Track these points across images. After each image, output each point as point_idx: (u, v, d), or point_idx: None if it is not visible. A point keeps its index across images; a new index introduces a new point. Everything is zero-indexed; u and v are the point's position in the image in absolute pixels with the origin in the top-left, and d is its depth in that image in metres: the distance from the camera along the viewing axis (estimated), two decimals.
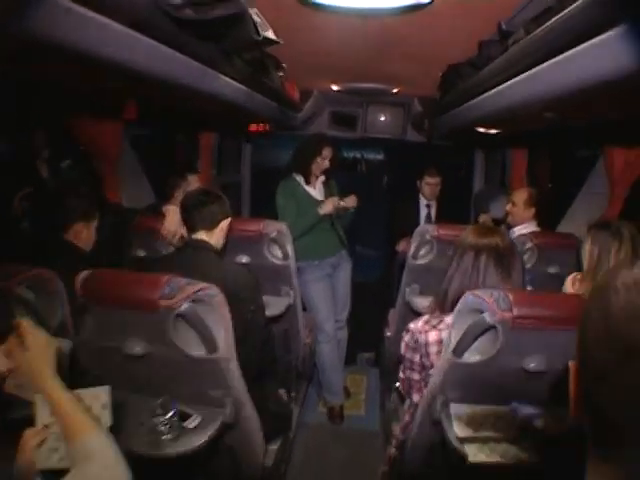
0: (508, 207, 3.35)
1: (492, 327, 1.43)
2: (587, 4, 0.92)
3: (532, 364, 1.46)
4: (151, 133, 3.69)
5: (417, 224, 4.16)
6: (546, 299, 1.53)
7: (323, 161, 3.37)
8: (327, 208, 3.29)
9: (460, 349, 1.47)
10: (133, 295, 1.48)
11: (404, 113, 4.28)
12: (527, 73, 1.49)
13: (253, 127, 3.73)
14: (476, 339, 1.47)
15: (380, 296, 4.84)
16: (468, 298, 1.48)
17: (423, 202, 4.26)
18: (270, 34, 1.67)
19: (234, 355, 1.59)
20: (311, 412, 3.67)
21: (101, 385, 1.22)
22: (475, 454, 1.47)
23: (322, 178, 3.49)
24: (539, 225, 3.28)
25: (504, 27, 1.60)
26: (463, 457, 1.46)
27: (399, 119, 4.32)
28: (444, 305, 1.73)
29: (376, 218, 4.91)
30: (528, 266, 2.56)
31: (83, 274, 1.55)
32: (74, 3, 0.87)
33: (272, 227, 2.53)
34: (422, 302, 2.58)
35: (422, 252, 2.62)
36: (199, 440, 1.48)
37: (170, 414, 1.49)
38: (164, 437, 1.48)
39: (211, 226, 2.12)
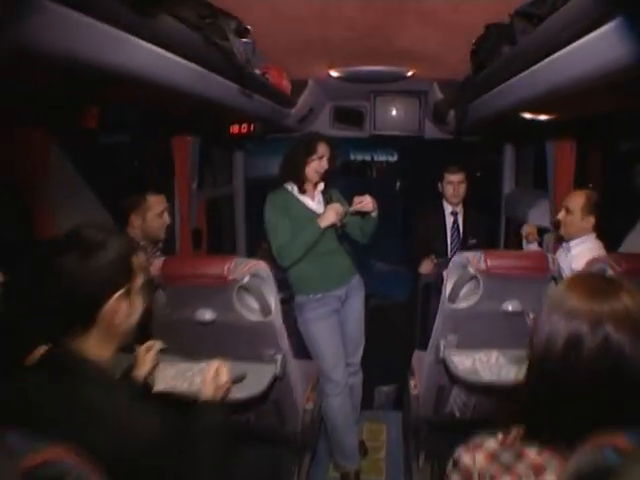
0: (561, 215, 2.66)
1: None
2: None
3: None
4: (105, 144, 2.97)
5: (443, 238, 3.53)
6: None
7: (319, 162, 2.64)
8: (329, 218, 2.55)
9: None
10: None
11: (420, 104, 3.57)
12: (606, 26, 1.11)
13: (235, 128, 3.01)
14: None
15: (401, 319, 4.29)
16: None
17: (448, 209, 3.58)
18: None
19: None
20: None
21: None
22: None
23: (321, 186, 2.76)
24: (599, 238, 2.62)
25: None
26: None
27: (414, 112, 3.61)
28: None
29: (390, 229, 4.27)
30: None
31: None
32: None
33: (243, 269, 1.78)
34: (463, 361, 1.92)
35: (463, 292, 1.96)
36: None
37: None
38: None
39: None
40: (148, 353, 1.63)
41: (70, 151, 2.51)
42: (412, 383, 2.48)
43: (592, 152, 3.43)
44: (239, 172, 4.49)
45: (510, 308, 1.92)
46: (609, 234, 2.80)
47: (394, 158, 5.11)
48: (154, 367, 1.65)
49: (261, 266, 1.79)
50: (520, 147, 4.12)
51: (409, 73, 2.81)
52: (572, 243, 2.60)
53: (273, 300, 1.81)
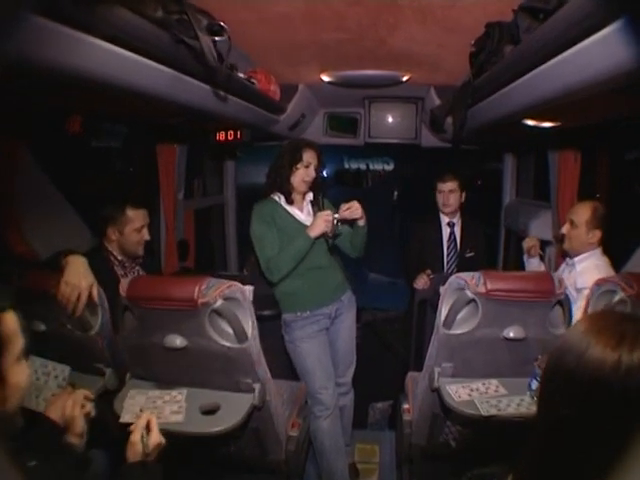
0: (565, 228, 2.53)
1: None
2: None
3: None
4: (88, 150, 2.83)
5: (439, 250, 3.38)
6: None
7: (306, 170, 2.50)
8: (319, 227, 2.40)
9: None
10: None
11: (417, 111, 3.46)
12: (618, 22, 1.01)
13: (221, 135, 2.86)
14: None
15: (395, 335, 4.21)
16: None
17: (444, 220, 3.44)
18: None
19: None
20: None
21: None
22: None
23: (310, 196, 2.62)
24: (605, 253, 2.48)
25: None
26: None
27: (411, 119, 3.51)
28: None
29: (387, 240, 4.15)
30: None
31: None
32: None
33: (215, 291, 1.64)
34: (459, 392, 1.80)
35: (460, 316, 1.83)
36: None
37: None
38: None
39: None
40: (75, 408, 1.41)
41: (45, 159, 2.38)
42: (405, 407, 2.35)
43: (599, 162, 3.29)
44: (230, 181, 4.36)
45: (512, 335, 1.78)
46: (615, 249, 2.67)
47: (390, 167, 5.01)
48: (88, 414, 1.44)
49: (236, 288, 1.67)
50: (521, 156, 4.01)
51: (405, 78, 2.70)
52: (577, 259, 2.47)
53: (250, 325, 1.69)
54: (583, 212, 2.45)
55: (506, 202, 4.12)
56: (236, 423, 1.66)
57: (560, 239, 2.62)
